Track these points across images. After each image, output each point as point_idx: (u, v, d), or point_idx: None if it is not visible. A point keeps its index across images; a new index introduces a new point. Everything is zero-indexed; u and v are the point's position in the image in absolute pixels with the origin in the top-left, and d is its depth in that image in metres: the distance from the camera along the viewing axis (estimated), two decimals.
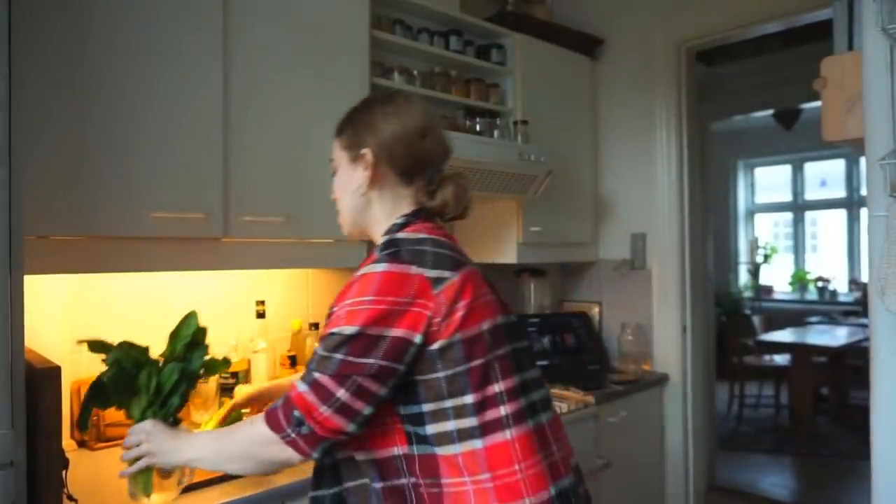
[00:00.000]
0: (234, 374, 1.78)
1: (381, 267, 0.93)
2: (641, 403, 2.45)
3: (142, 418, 1.14)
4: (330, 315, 0.95)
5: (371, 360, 0.89)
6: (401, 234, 1.01)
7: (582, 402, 2.13)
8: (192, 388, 1.20)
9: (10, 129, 0.99)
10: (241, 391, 1.39)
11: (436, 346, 0.92)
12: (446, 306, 0.92)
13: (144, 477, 1.14)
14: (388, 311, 0.90)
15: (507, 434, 0.94)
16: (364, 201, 1.08)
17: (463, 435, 0.92)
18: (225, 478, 1.33)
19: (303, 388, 0.91)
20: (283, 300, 2.01)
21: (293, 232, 1.68)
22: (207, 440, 1.06)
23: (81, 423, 1.17)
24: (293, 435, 0.91)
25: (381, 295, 0.90)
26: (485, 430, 0.93)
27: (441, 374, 0.92)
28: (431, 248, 0.97)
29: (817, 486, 3.65)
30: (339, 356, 0.89)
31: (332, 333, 0.91)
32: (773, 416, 4.98)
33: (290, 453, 0.92)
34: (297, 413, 0.90)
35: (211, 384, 1.73)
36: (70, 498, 1.16)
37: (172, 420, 1.17)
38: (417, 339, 0.90)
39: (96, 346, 1.15)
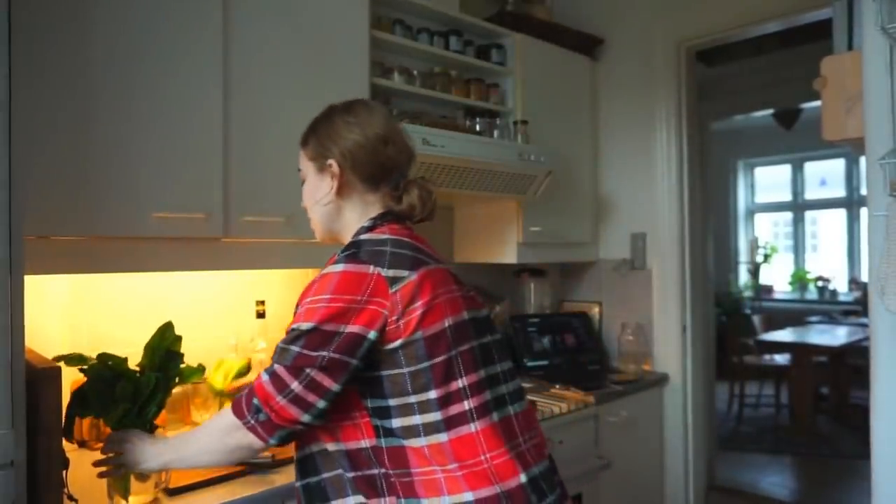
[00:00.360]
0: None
1: (339, 267, 0.98)
2: (641, 403, 2.45)
3: (120, 426, 1.19)
4: (295, 312, 1.00)
5: (323, 353, 0.93)
6: (364, 236, 1.06)
7: (582, 402, 2.13)
8: (167, 396, 1.26)
9: (10, 129, 0.99)
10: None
11: (397, 343, 0.96)
12: (402, 305, 0.96)
13: (123, 480, 1.19)
14: (344, 310, 0.94)
15: (472, 427, 0.97)
16: (334, 208, 1.12)
17: (428, 429, 0.96)
18: (223, 478, 1.34)
19: (264, 377, 0.97)
20: (283, 300, 2.01)
21: (293, 232, 1.68)
22: (182, 440, 1.11)
23: (66, 432, 1.19)
24: (252, 421, 0.96)
25: (338, 293, 0.95)
26: (449, 423, 0.96)
27: (405, 370, 0.96)
28: (391, 248, 1.02)
29: (817, 486, 3.65)
30: (295, 349, 0.94)
31: (292, 329, 0.97)
32: (773, 415, 4.98)
33: (251, 439, 0.97)
34: (256, 401, 0.96)
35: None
36: (70, 498, 1.16)
37: (150, 426, 1.22)
38: (371, 335, 0.95)
39: (72, 359, 1.20)
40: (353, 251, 1.02)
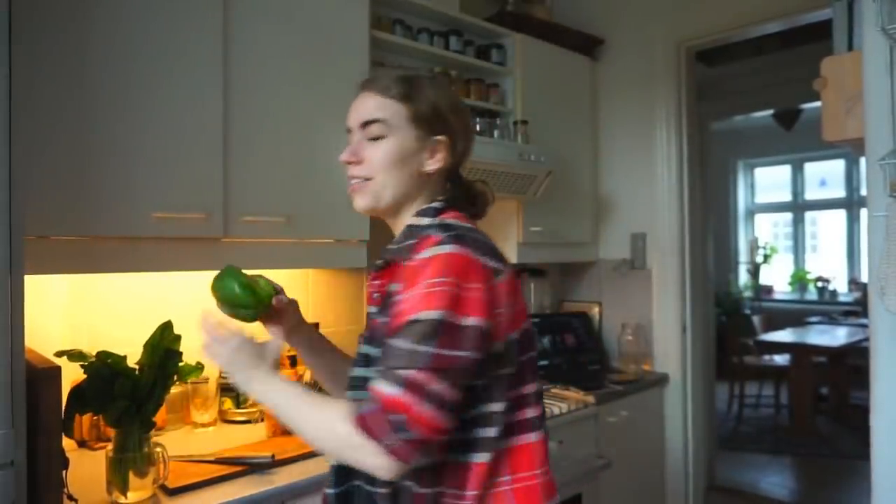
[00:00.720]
0: None
1: (450, 248, 0.86)
2: (641, 403, 2.45)
3: (118, 423, 1.20)
4: (396, 302, 0.86)
5: (462, 353, 0.81)
6: (450, 220, 0.96)
7: (582, 402, 2.13)
8: (166, 394, 1.27)
9: (10, 129, 0.99)
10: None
11: (500, 343, 0.88)
12: (503, 299, 0.88)
13: (122, 476, 1.21)
14: (463, 297, 0.83)
15: (533, 437, 0.93)
16: (417, 184, 0.99)
17: (492, 440, 0.89)
18: (223, 478, 1.34)
19: (393, 390, 0.79)
20: None
21: (293, 232, 1.68)
22: (290, 399, 0.90)
23: (65, 429, 1.20)
24: (395, 443, 0.79)
25: (454, 277, 0.83)
26: (515, 429, 0.91)
27: (495, 373, 0.89)
28: (482, 237, 0.94)
29: (817, 486, 3.65)
30: (430, 349, 0.80)
31: (415, 321, 0.81)
32: (773, 415, 4.98)
33: (383, 461, 0.79)
34: (396, 417, 0.78)
35: (211, 385, 1.74)
36: (70, 498, 1.16)
37: (148, 424, 1.24)
38: (488, 327, 0.85)
39: (74, 355, 1.21)
40: (457, 233, 0.89)
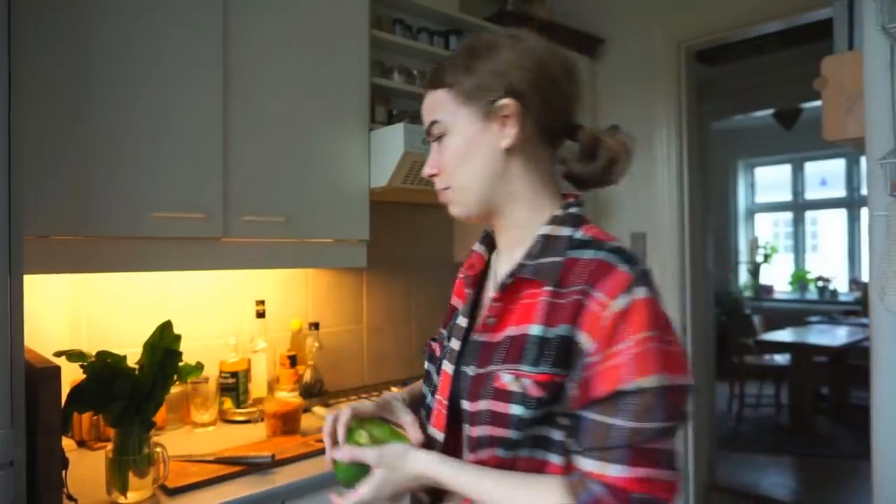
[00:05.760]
0: (234, 374, 1.78)
1: (645, 293, 0.71)
2: None
3: (119, 423, 1.21)
4: (595, 363, 0.70)
5: (673, 423, 0.71)
6: (614, 243, 0.79)
7: None
8: (165, 394, 1.27)
9: (9, 129, 0.99)
10: (361, 410, 0.90)
11: None
12: None
13: (121, 476, 1.22)
14: (674, 355, 0.72)
15: None
16: (502, 171, 0.82)
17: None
18: (223, 478, 1.34)
19: (624, 471, 0.68)
20: (283, 300, 2.01)
21: (293, 232, 1.68)
22: (483, 478, 0.75)
23: (65, 429, 1.19)
24: None
25: (660, 331, 0.70)
26: None
27: None
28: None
29: (817, 486, 3.65)
30: (654, 425, 0.69)
31: (636, 391, 0.68)
32: (773, 415, 4.98)
33: None
34: (638, 496, 0.67)
35: (211, 384, 1.74)
36: (70, 498, 1.16)
37: (148, 424, 1.24)
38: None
39: (73, 356, 1.20)
40: (643, 269, 0.74)
